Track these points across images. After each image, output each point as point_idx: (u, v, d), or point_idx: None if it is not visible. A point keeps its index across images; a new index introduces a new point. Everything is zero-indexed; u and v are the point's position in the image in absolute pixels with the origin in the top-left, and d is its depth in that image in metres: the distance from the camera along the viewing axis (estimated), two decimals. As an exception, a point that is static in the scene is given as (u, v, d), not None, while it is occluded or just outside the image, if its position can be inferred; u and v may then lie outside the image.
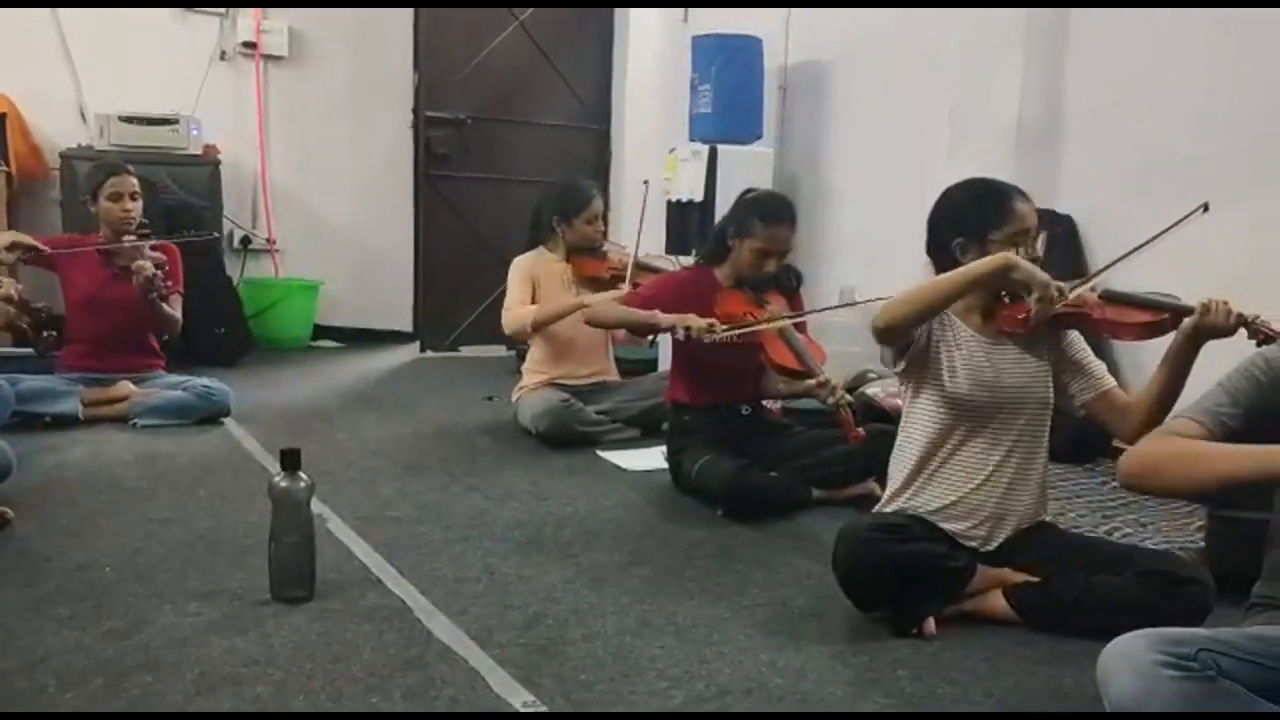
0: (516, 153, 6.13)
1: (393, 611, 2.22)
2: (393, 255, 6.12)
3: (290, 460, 2.22)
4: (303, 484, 2.23)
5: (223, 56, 5.85)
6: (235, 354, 5.31)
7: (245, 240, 5.99)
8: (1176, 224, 2.08)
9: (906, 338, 2.22)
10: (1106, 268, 2.31)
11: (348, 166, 6.16)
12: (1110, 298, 2.23)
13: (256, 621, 2.14)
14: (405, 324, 6.21)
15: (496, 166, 6.08)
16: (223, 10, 5.80)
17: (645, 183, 3.97)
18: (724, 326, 2.99)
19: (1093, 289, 2.21)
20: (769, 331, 3.07)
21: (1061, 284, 2.12)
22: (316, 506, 2.58)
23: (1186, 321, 2.06)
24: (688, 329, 2.98)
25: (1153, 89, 3.66)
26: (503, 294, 4.06)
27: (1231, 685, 1.46)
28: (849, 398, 2.87)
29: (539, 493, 3.18)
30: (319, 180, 6.14)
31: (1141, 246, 2.14)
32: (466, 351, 5.99)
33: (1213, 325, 2.02)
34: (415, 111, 5.91)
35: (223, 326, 5.30)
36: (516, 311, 3.93)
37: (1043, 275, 2.10)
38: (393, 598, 2.30)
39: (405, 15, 5.83)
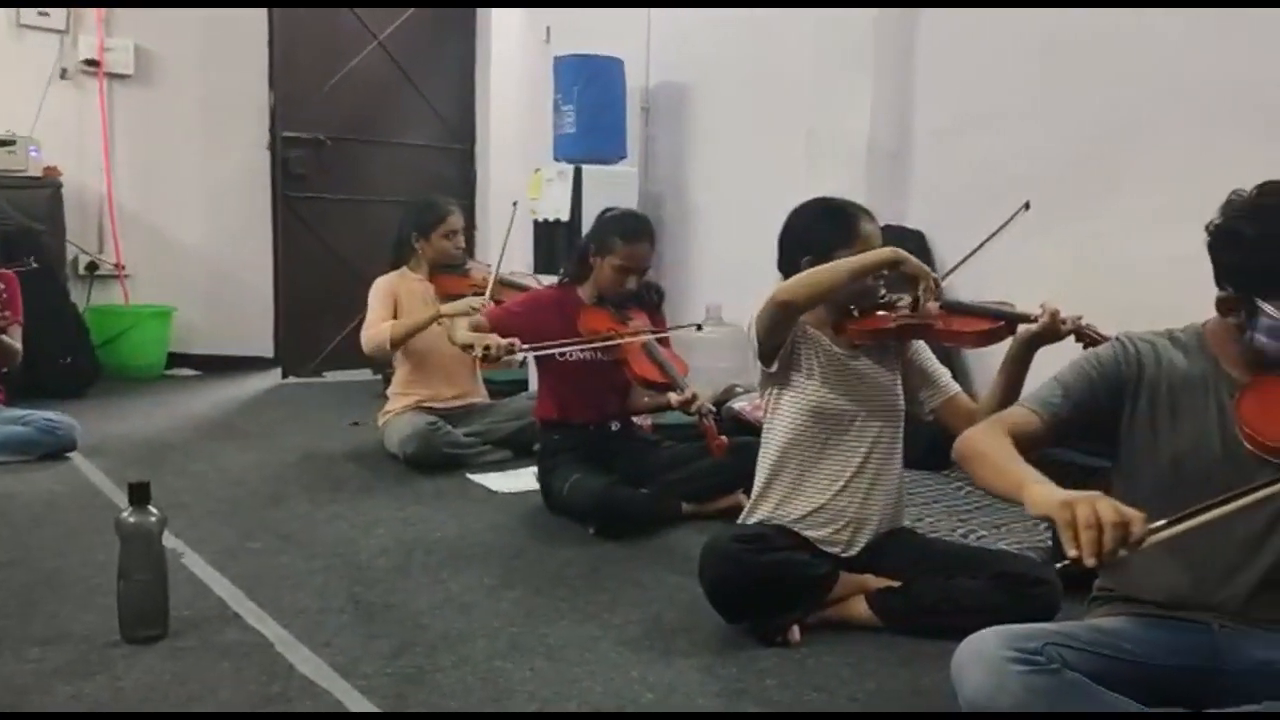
0: (379, 173, 6.03)
1: (252, 647, 2.15)
2: (251, 279, 5.92)
3: (139, 494, 2.13)
4: (153, 518, 2.14)
5: (63, 75, 5.60)
6: (82, 385, 5.07)
7: (91, 266, 5.74)
8: (1005, 224, 2.21)
9: (782, 336, 2.29)
10: (956, 267, 2.44)
11: (201, 188, 5.96)
12: (951, 309, 2.36)
13: (105, 664, 2.04)
14: (266, 350, 6.00)
15: (358, 187, 5.96)
16: (63, 27, 5.56)
17: (514, 204, 3.95)
18: (525, 345, 3.01)
19: (935, 301, 2.32)
20: (632, 346, 3.10)
21: (937, 277, 2.24)
22: (170, 541, 2.48)
23: (1022, 329, 2.19)
24: (486, 348, 2.97)
25: (990, 112, 3.84)
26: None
27: (1075, 676, 1.55)
28: (711, 408, 2.91)
29: (406, 518, 3.13)
30: (170, 203, 5.92)
31: (978, 248, 2.27)
32: (331, 376, 5.84)
33: (1045, 332, 2.14)
34: (272, 131, 5.75)
35: (68, 356, 5.05)
36: (374, 330, 3.86)
37: (926, 267, 2.21)
38: (252, 632, 2.22)
39: (259, 33, 5.66)
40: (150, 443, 4.12)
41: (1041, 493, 1.49)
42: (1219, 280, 1.67)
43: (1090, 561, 1.35)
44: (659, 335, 3.19)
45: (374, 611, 2.37)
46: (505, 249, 3.91)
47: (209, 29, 5.88)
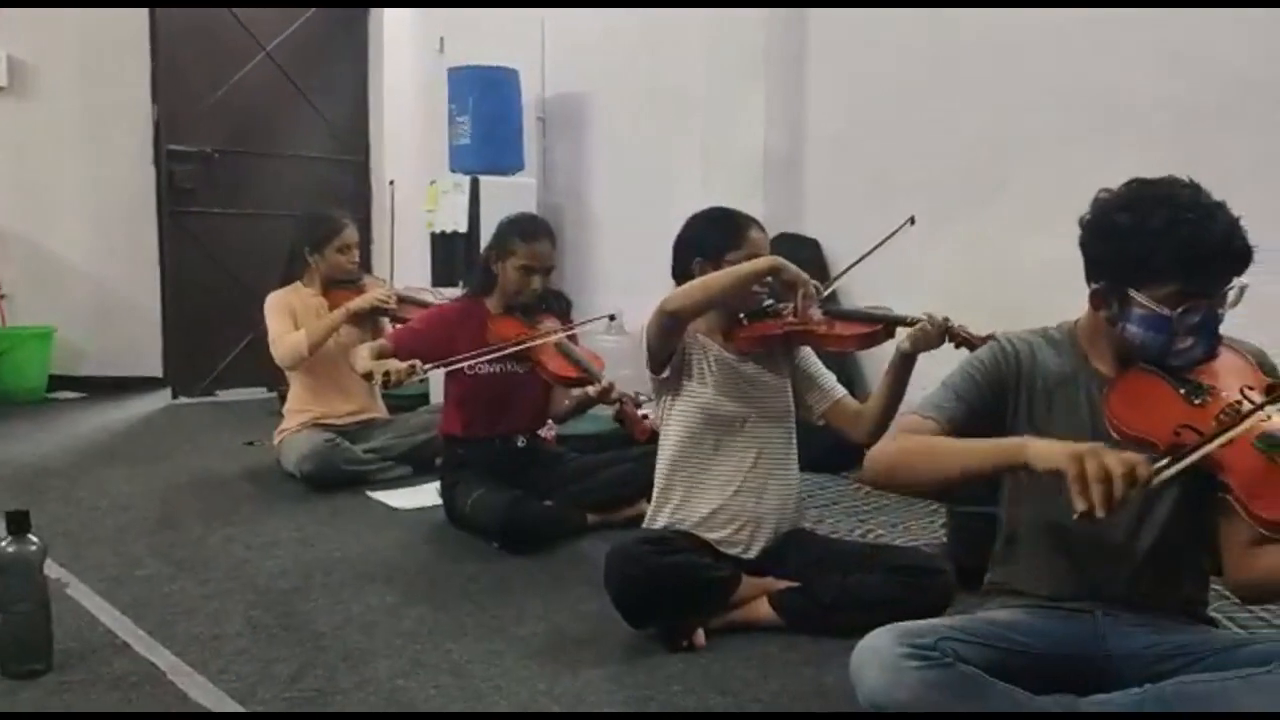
0: (270, 186, 5.89)
1: (143, 677, 2.07)
2: (137, 297, 5.75)
3: (17, 522, 2.04)
4: (33, 547, 2.05)
5: (-70, 88, 5.36)
6: (-43, 411, 4.85)
7: (-36, 287, 5.50)
8: (890, 236, 2.30)
9: (673, 344, 2.35)
10: (839, 276, 2.58)
11: (83, 204, 5.75)
12: (833, 315, 2.43)
13: (-16, 702, 1.95)
14: (154, 369, 5.82)
15: (249, 201, 5.82)
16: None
17: (391, 183, 3.89)
18: (427, 365, 3.00)
19: (820, 308, 2.39)
20: (546, 347, 3.11)
21: (818, 284, 2.32)
22: (54, 570, 2.38)
23: (902, 337, 2.26)
24: (386, 374, 2.95)
25: (878, 120, 3.94)
26: (261, 334, 3.89)
27: (968, 669, 1.59)
28: (629, 394, 2.95)
29: (305, 539, 3.06)
30: (50, 220, 5.70)
31: (861, 260, 2.36)
32: (224, 395, 5.69)
33: (923, 338, 2.22)
34: (156, 145, 5.58)
35: (-59, 382, 4.83)
36: (288, 339, 3.77)
37: (804, 274, 2.27)
38: (142, 662, 2.14)
39: (141, 43, 5.50)
40: (31, 469, 3.95)
41: (1047, 446, 1.52)
42: (1091, 275, 1.73)
43: (1101, 514, 1.40)
44: (570, 331, 3.20)
45: (272, 635, 2.31)
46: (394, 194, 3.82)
47: (87, 39, 5.67)
